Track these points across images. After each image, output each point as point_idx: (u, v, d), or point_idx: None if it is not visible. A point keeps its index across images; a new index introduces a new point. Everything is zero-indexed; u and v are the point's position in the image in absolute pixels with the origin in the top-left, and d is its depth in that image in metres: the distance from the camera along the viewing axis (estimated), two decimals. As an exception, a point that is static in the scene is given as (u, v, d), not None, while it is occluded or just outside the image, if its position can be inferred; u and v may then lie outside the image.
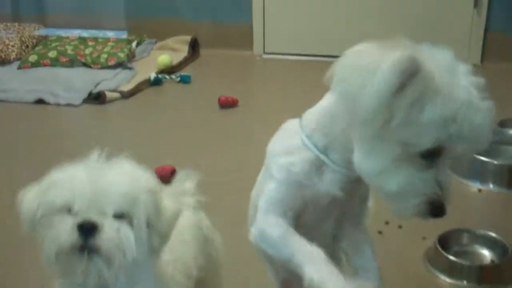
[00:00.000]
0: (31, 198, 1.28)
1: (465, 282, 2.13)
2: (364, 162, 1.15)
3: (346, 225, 1.41)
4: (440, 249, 2.20)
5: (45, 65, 4.47)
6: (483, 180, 2.77)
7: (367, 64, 1.07)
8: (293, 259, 1.24)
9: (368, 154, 1.14)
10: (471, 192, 2.76)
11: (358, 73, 1.08)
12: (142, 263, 1.26)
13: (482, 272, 2.16)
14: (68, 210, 1.20)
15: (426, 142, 1.08)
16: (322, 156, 1.28)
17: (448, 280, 2.17)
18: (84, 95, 3.98)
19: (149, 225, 1.24)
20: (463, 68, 1.12)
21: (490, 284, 2.13)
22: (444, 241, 2.25)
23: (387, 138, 1.09)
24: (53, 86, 4.07)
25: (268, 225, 1.32)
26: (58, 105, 3.91)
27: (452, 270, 2.17)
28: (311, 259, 1.21)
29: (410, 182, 1.12)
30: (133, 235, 1.20)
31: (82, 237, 1.16)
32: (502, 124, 3.22)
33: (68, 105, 3.90)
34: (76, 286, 1.23)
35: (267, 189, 1.36)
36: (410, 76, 1.04)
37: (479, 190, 2.75)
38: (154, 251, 1.29)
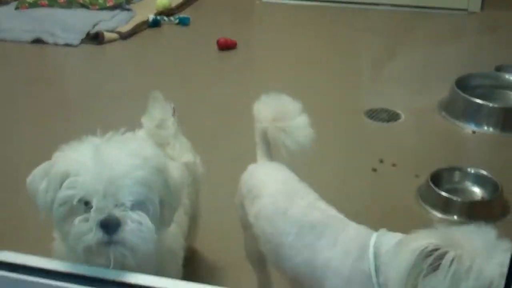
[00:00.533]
0: (42, 189, 1.27)
1: (455, 217, 2.19)
2: None
3: None
4: (432, 185, 2.24)
5: (42, 6, 4.43)
6: (477, 122, 2.80)
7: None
8: None
9: None
10: (465, 134, 2.79)
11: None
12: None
13: (472, 208, 2.21)
14: (86, 203, 1.20)
15: None
16: None
17: (439, 215, 2.22)
18: (82, 35, 3.96)
19: (161, 202, 1.26)
20: (503, 246, 1.13)
21: (480, 220, 2.16)
22: (437, 179, 2.29)
23: None
24: (51, 26, 4.05)
25: None
26: (56, 45, 3.90)
27: (443, 206, 2.22)
28: None
29: None
30: (152, 223, 1.21)
31: (106, 234, 1.17)
32: (498, 68, 3.24)
33: (66, 45, 3.88)
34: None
35: None
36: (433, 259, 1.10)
37: (473, 132, 2.78)
38: (165, 224, 1.32)
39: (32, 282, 1.13)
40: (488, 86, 3.10)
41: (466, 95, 2.87)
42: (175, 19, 4.29)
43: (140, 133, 1.66)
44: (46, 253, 1.26)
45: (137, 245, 1.19)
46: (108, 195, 1.18)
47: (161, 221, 1.28)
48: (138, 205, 1.21)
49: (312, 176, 1.73)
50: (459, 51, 3.71)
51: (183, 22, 4.26)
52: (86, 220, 1.18)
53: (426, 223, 2.16)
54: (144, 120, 1.69)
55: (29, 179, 1.32)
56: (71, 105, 3.16)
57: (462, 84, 2.96)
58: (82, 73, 3.65)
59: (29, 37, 3.96)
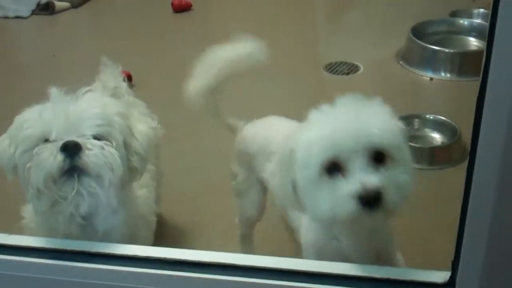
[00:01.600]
0: (5, 145, 1.26)
1: (416, 165, 2.21)
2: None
3: None
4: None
5: (-10, -23, 4.32)
6: (434, 68, 2.83)
7: None
8: None
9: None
10: (423, 81, 2.82)
11: None
12: (126, 186, 1.29)
13: (433, 154, 2.24)
14: (46, 140, 1.19)
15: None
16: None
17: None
18: (33, 6, 3.87)
19: (126, 146, 1.25)
20: None
21: (440, 165, 2.21)
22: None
23: None
24: (0, -1, 3.95)
25: None
26: (6, 18, 3.81)
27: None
28: None
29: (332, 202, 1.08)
30: (117, 151, 1.20)
31: (68, 159, 1.16)
32: (453, 14, 3.26)
33: (17, 17, 3.80)
34: (59, 221, 1.24)
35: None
36: None
37: (431, 79, 2.81)
38: (136, 172, 1.30)
39: (6, 260, 1.12)
40: (443, 32, 3.13)
41: (422, 42, 2.89)
42: (127, -18, 4.21)
43: None
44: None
45: (100, 170, 1.18)
46: (69, 127, 1.19)
47: (129, 168, 1.27)
48: (99, 139, 1.20)
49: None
50: (414, -1, 3.72)
51: (136, -14, 4.19)
52: (47, 148, 1.17)
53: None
54: (96, 88, 1.65)
55: None
56: (25, 77, 3.10)
57: (418, 32, 2.98)
58: (35, 45, 3.58)
59: (-23, 11, 3.86)
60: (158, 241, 1.56)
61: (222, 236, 1.89)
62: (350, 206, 1.02)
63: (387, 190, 1.02)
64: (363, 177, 1.02)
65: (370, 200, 1.01)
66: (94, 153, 1.17)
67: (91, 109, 1.22)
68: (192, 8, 3.78)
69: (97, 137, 1.20)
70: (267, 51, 1.63)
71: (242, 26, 3.57)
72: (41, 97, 2.77)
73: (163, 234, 1.91)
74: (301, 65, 3.04)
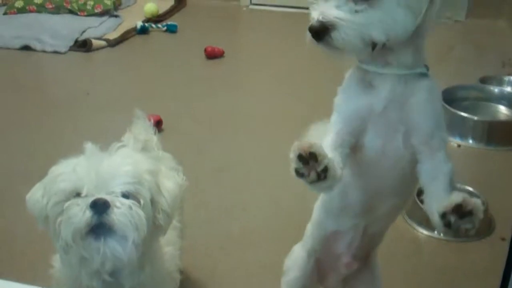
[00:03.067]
0: (38, 196, 1.29)
1: (441, 234, 2.21)
2: None
3: (420, 157, 1.26)
4: (418, 202, 2.26)
5: (31, 11, 4.44)
6: (462, 135, 2.83)
7: None
8: None
9: None
10: (451, 147, 2.82)
11: None
12: (150, 244, 1.31)
13: (458, 226, 2.22)
14: (78, 194, 1.22)
15: None
16: (366, 66, 1.26)
17: (425, 232, 2.24)
18: (70, 42, 3.97)
19: (153, 203, 1.28)
20: None
21: (466, 237, 2.20)
22: (422, 195, 2.31)
23: None
24: (39, 33, 4.05)
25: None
26: (44, 52, 3.91)
27: (429, 223, 2.23)
28: None
29: None
30: (143, 212, 1.23)
31: (96, 215, 1.18)
32: (483, 80, 3.28)
33: (55, 52, 3.89)
34: (85, 276, 1.26)
35: None
36: None
37: (458, 145, 2.82)
38: (160, 230, 1.32)
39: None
40: (473, 98, 3.14)
41: (451, 107, 2.90)
42: (163, 26, 4.30)
43: None
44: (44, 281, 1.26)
45: (126, 229, 1.20)
46: (99, 184, 1.22)
47: (155, 224, 1.29)
48: (128, 197, 1.23)
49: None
50: (445, 62, 3.74)
51: (171, 30, 4.27)
52: (78, 204, 1.20)
53: (412, 240, 2.22)
54: (128, 141, 1.68)
55: (28, 195, 1.33)
56: (58, 112, 3.15)
57: (448, 97, 2.99)
58: (70, 80, 3.64)
59: (17, 43, 3.96)
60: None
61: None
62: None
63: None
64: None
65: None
66: (122, 212, 1.20)
67: (122, 166, 1.25)
68: (224, 55, 3.84)
69: (125, 195, 1.23)
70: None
71: (271, 73, 3.63)
72: (72, 134, 2.82)
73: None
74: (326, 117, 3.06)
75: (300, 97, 3.28)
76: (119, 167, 1.24)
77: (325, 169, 1.12)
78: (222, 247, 2.12)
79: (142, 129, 1.69)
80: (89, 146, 1.32)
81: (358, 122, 1.27)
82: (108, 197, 1.20)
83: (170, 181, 1.36)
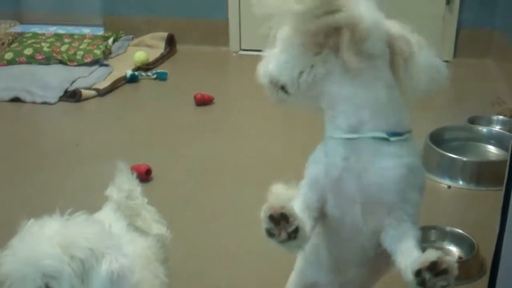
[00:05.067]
0: None
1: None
2: None
3: (384, 227, 1.25)
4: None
5: (21, 63, 4.45)
6: (452, 176, 2.82)
7: None
8: None
9: None
10: (441, 188, 2.81)
11: None
12: None
13: (449, 269, 2.20)
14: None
15: None
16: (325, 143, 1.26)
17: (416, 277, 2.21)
18: (60, 93, 3.98)
19: None
20: None
21: (457, 281, 2.16)
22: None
23: None
24: (29, 84, 4.06)
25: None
26: (34, 103, 3.91)
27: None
28: None
29: None
30: None
31: None
32: (471, 120, 3.28)
33: (44, 103, 3.90)
34: None
35: None
36: None
37: (449, 187, 2.81)
38: None
39: None
40: (462, 139, 3.14)
41: (440, 149, 2.90)
42: (153, 74, 4.32)
43: (107, 208, 1.67)
44: None
45: None
46: (16, 281, 1.26)
47: None
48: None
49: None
50: (433, 103, 3.75)
51: (161, 77, 4.29)
52: None
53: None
54: (112, 192, 1.68)
55: None
56: (46, 164, 3.14)
57: (436, 138, 3.00)
58: (59, 131, 3.64)
59: (6, 96, 3.96)
60: None
61: None
62: None
63: None
64: None
65: None
66: None
67: (39, 261, 1.26)
68: (213, 101, 3.85)
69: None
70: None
71: (261, 119, 3.63)
72: (59, 187, 2.80)
73: None
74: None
75: (291, 142, 3.27)
76: (39, 260, 1.25)
77: (296, 230, 1.13)
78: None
79: (126, 179, 1.68)
80: (29, 224, 1.34)
81: (319, 188, 1.27)
82: None
83: (105, 266, 1.31)
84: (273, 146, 3.30)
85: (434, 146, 2.92)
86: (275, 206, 1.13)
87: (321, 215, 1.28)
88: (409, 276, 1.12)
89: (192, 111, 3.78)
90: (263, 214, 1.14)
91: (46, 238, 1.29)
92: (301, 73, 1.23)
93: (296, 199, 1.29)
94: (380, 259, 1.31)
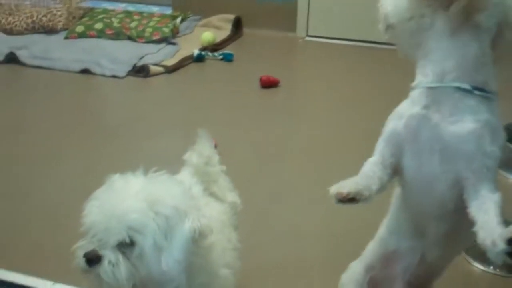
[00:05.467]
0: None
1: (497, 270, 2.16)
2: None
3: (464, 184, 1.24)
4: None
5: (91, 36, 4.56)
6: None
7: None
8: None
9: None
10: (508, 184, 2.77)
11: None
12: (171, 274, 1.32)
13: (513, 262, 2.17)
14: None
15: None
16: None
17: (480, 267, 2.20)
18: (129, 67, 4.05)
19: (157, 247, 1.30)
20: None
21: (512, 268, 2.15)
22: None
23: None
24: (99, 57, 4.15)
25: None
26: (103, 76, 4.00)
27: (486, 258, 2.19)
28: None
29: None
30: (128, 267, 1.28)
31: (87, 265, 1.28)
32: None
33: (113, 76, 3.98)
34: None
35: None
36: None
37: (518, 183, 2.76)
38: (164, 268, 1.32)
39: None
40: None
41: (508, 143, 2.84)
42: (219, 55, 4.36)
43: (186, 171, 1.69)
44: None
45: (109, 283, 1.28)
46: (100, 231, 1.29)
47: (159, 263, 1.31)
48: (124, 246, 1.29)
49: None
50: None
51: (227, 58, 4.33)
52: (81, 248, 1.31)
53: (467, 275, 2.17)
54: (191, 156, 1.71)
55: None
56: (115, 134, 3.21)
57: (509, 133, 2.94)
58: (127, 104, 3.71)
59: (77, 67, 4.06)
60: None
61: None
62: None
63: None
64: None
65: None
66: (105, 270, 1.27)
67: (125, 215, 1.29)
68: (279, 84, 3.86)
69: (122, 243, 1.29)
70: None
71: (327, 104, 3.63)
72: (127, 157, 2.86)
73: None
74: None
75: (356, 127, 3.27)
76: (123, 214, 1.28)
77: (365, 199, 1.22)
78: (275, 273, 2.12)
79: (206, 146, 1.71)
80: (114, 178, 1.38)
81: (396, 141, 1.29)
82: (100, 250, 1.28)
83: (193, 222, 1.34)
84: (337, 131, 3.30)
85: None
86: (343, 194, 1.21)
87: (395, 172, 1.30)
88: (499, 244, 1.12)
89: (257, 92, 3.80)
90: (333, 198, 1.22)
91: (132, 193, 1.32)
92: (410, 18, 1.27)
93: (373, 157, 1.33)
94: (460, 216, 1.29)
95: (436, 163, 1.24)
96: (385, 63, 4.24)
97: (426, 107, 1.24)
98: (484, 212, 1.20)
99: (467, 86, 1.22)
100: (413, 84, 1.30)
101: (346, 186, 1.21)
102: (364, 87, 3.88)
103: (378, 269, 1.52)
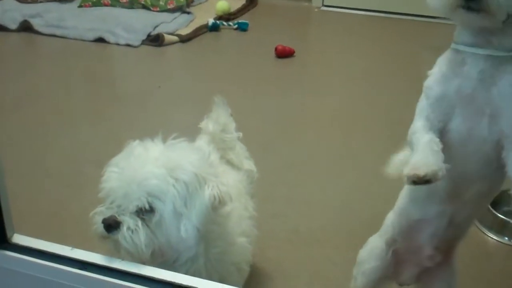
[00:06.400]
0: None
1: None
2: None
3: (505, 144, 1.25)
4: (490, 208, 2.22)
5: (105, 5, 4.54)
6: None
7: None
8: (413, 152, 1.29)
9: None
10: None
11: None
12: (190, 241, 1.33)
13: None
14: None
15: None
16: (460, 46, 1.27)
17: (495, 237, 2.19)
18: (143, 36, 4.04)
19: (176, 214, 1.30)
20: None
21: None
22: (495, 200, 2.26)
23: None
24: (113, 26, 4.13)
25: (412, 129, 1.34)
26: (117, 44, 3.99)
27: (500, 228, 2.19)
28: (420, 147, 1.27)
29: None
30: (147, 234, 1.28)
31: (106, 231, 1.29)
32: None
33: (127, 45, 3.97)
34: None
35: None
36: None
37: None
38: (183, 235, 1.31)
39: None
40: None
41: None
42: (234, 24, 4.33)
43: (203, 139, 1.69)
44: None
45: (127, 249, 1.28)
46: (119, 197, 1.30)
47: (178, 230, 1.31)
48: (143, 212, 1.28)
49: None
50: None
51: (242, 28, 4.30)
52: (100, 213, 1.31)
53: (481, 245, 2.17)
54: (207, 124, 1.70)
55: None
56: (130, 103, 3.21)
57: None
58: (142, 73, 3.70)
59: (91, 35, 4.05)
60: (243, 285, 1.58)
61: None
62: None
63: None
64: None
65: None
66: (124, 236, 1.27)
67: (145, 180, 1.28)
68: (294, 54, 3.84)
69: (141, 209, 1.28)
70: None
71: (343, 75, 3.61)
72: (143, 125, 2.86)
73: (248, 277, 1.92)
74: (393, 125, 3.02)
75: (372, 99, 3.25)
76: (143, 179, 1.28)
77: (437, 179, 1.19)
78: (290, 240, 2.12)
79: (222, 113, 1.70)
80: (134, 144, 1.38)
81: (446, 105, 1.28)
82: (119, 216, 1.28)
83: (208, 191, 1.34)
84: (354, 100, 3.28)
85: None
86: (419, 174, 1.18)
87: (439, 136, 1.30)
88: None
89: (273, 62, 3.78)
90: (407, 179, 1.20)
91: (151, 159, 1.32)
92: None
93: (417, 122, 1.31)
94: (498, 174, 1.32)
95: (485, 126, 1.26)
96: (402, 34, 4.22)
97: (482, 71, 1.23)
98: None
99: None
100: (457, 47, 1.28)
101: (421, 167, 1.20)
102: (380, 58, 3.85)
103: (401, 241, 1.52)
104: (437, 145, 1.24)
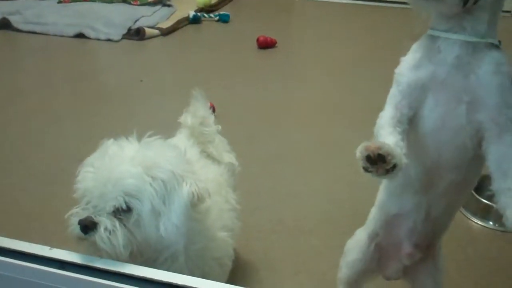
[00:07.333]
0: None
1: (496, 225, 2.16)
2: None
3: (486, 136, 1.23)
4: (473, 192, 2.22)
5: (85, 0, 4.50)
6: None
7: None
8: None
9: None
10: None
11: None
12: (169, 240, 1.31)
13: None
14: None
15: None
16: (435, 32, 1.25)
17: (479, 222, 2.20)
18: (124, 30, 4.01)
19: (154, 212, 1.28)
20: None
21: (518, 228, 2.15)
22: (478, 185, 2.26)
23: None
24: (93, 21, 4.10)
25: (379, 121, 1.31)
26: (98, 40, 3.96)
27: (485, 213, 2.20)
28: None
29: None
30: (125, 234, 1.26)
31: (82, 232, 1.26)
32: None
33: (108, 40, 3.94)
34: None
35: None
36: None
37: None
38: (162, 233, 1.30)
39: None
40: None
41: None
42: (215, 16, 4.32)
43: (183, 133, 1.68)
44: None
45: (105, 250, 1.25)
46: (94, 198, 1.27)
47: (157, 229, 1.30)
48: (120, 212, 1.26)
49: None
50: None
51: (223, 19, 4.28)
52: (75, 214, 1.28)
53: (466, 230, 2.17)
54: (186, 118, 1.69)
55: None
56: (112, 98, 3.19)
57: None
58: (123, 68, 3.68)
59: (71, 31, 4.02)
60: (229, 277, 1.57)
61: (291, 278, 1.89)
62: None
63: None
64: None
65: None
66: (101, 237, 1.25)
67: (121, 179, 1.26)
68: (276, 45, 3.82)
69: (119, 208, 1.26)
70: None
71: (324, 65, 3.60)
72: (125, 120, 2.83)
73: (233, 270, 1.92)
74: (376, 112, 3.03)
75: (353, 88, 3.25)
76: (119, 179, 1.26)
77: (394, 166, 1.12)
78: (275, 232, 2.12)
79: (200, 106, 1.69)
80: (108, 143, 1.35)
81: (418, 91, 1.26)
82: (96, 217, 1.25)
83: (186, 188, 1.32)
84: (336, 89, 3.28)
85: None
86: (372, 147, 1.12)
87: (411, 123, 1.28)
88: None
89: (255, 53, 3.77)
90: (359, 154, 1.13)
91: (127, 158, 1.29)
92: None
93: (386, 111, 1.30)
94: (474, 164, 1.31)
95: (463, 113, 1.23)
96: (384, 22, 4.22)
97: (458, 56, 1.22)
98: (508, 176, 1.20)
99: (496, 42, 1.23)
100: (433, 32, 1.27)
101: (377, 143, 1.14)
102: (363, 47, 3.85)
103: (382, 235, 1.51)
104: (401, 149, 1.22)
